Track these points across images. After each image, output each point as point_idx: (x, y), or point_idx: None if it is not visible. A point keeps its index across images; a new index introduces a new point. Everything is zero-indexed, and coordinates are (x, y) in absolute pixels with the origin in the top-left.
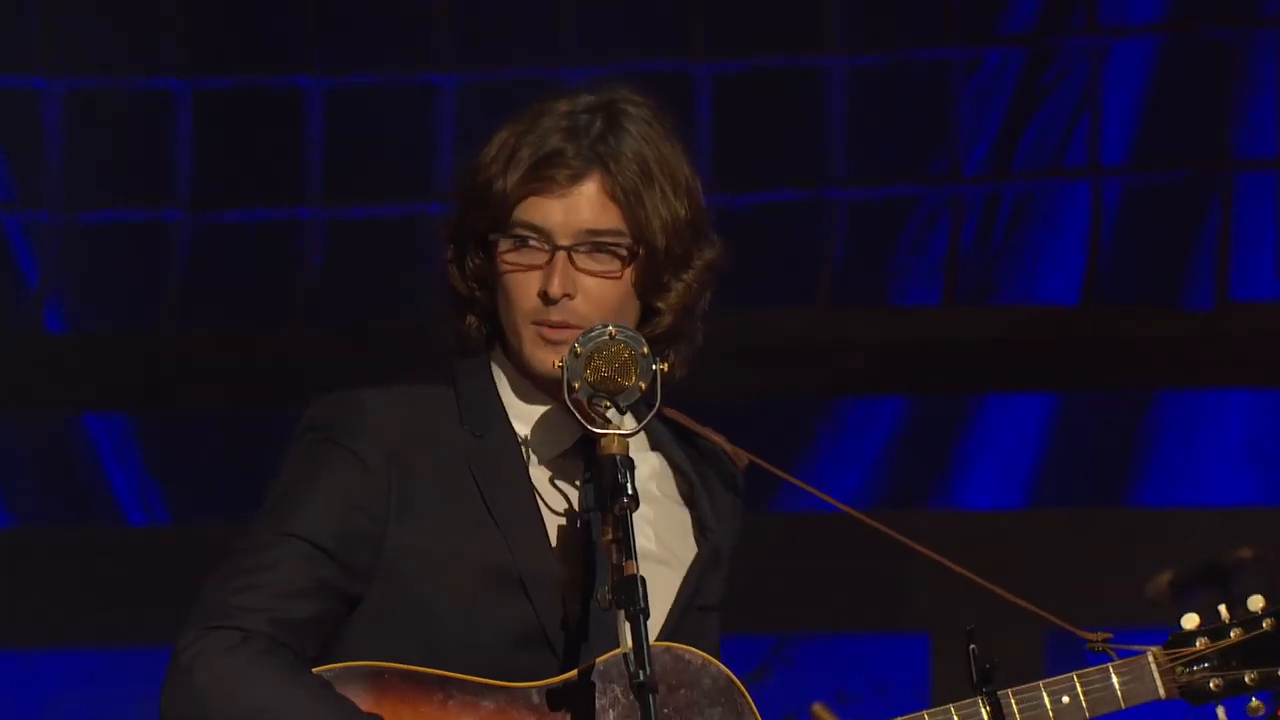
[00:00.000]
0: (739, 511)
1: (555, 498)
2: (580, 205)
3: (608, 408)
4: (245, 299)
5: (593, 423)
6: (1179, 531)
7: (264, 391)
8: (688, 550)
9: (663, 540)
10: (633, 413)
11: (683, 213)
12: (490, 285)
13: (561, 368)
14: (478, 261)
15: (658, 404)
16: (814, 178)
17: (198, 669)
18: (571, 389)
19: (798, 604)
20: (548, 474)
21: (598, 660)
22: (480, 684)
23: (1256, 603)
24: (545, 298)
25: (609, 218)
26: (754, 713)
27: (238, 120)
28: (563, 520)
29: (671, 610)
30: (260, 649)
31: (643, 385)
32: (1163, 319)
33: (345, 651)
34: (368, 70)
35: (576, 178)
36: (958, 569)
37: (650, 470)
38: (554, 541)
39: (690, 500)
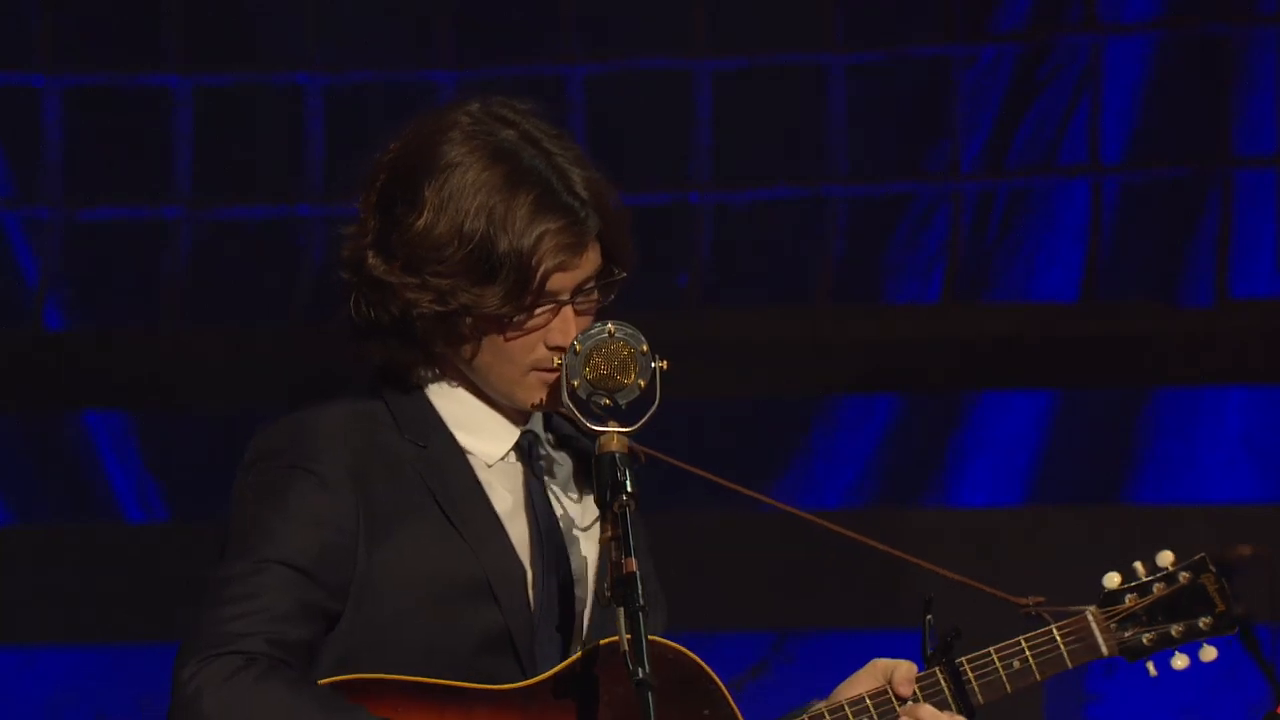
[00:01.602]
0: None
1: (504, 501)
2: (589, 261)
3: (606, 405)
4: (245, 296)
5: (591, 420)
6: (1178, 528)
7: (263, 388)
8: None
9: (589, 535)
10: (632, 410)
11: (625, 218)
12: (456, 338)
13: (560, 365)
14: (458, 323)
15: (656, 401)
16: (813, 175)
17: (205, 698)
18: (571, 387)
19: (796, 601)
20: (492, 478)
21: (587, 651)
22: (473, 689)
23: (1166, 558)
24: (559, 350)
25: (597, 259)
26: (728, 700)
27: (238, 117)
28: (515, 522)
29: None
30: (263, 670)
31: (641, 383)
32: (1161, 316)
33: (319, 666)
34: (367, 67)
35: (587, 238)
36: (917, 561)
37: (569, 470)
38: (514, 544)
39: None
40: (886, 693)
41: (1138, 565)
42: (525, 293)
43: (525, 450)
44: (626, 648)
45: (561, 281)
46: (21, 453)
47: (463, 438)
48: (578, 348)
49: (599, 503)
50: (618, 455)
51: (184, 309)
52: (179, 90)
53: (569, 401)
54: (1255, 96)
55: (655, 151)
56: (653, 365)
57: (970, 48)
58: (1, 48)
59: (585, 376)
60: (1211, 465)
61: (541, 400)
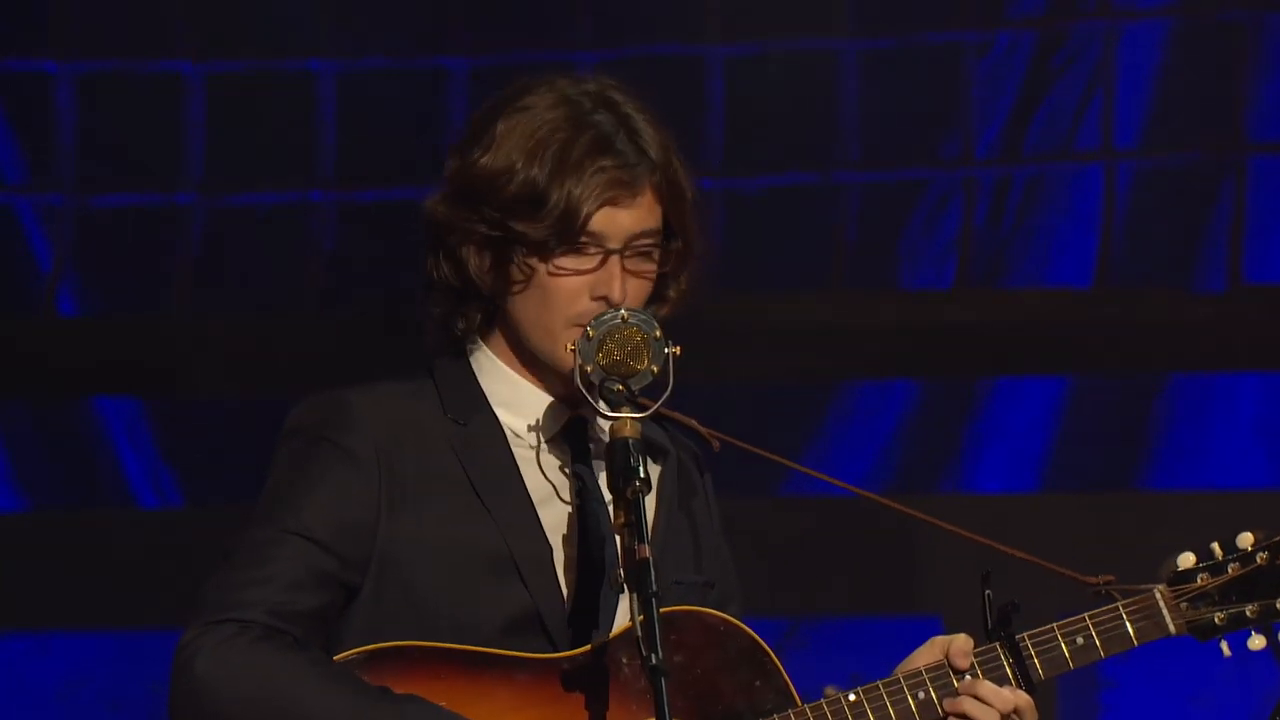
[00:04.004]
0: (709, 491)
1: (544, 482)
2: (641, 212)
3: (620, 391)
4: (257, 282)
5: (607, 406)
6: (1191, 514)
7: (275, 374)
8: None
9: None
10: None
11: (696, 201)
12: (505, 281)
13: (573, 351)
14: (508, 260)
15: (669, 387)
16: (825, 161)
17: (197, 662)
18: (583, 372)
19: (810, 587)
20: (535, 459)
21: (625, 629)
22: (511, 657)
23: (1246, 539)
24: (607, 302)
25: (654, 218)
26: (781, 673)
27: (250, 103)
28: (553, 505)
29: None
30: (257, 635)
31: (654, 369)
32: (1175, 302)
33: (342, 642)
34: (379, 53)
35: (640, 185)
36: (969, 535)
37: (588, 459)
38: (546, 526)
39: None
40: (944, 666)
41: (1214, 546)
42: (571, 227)
43: (577, 433)
44: (639, 634)
45: (609, 223)
46: (34, 438)
47: (507, 417)
48: (590, 333)
49: (612, 489)
50: (631, 441)
51: (196, 295)
52: (191, 76)
53: (582, 386)
54: (1269, 83)
55: None
56: (666, 351)
57: (985, 34)
58: (14, 34)
59: (598, 362)
60: (1224, 451)
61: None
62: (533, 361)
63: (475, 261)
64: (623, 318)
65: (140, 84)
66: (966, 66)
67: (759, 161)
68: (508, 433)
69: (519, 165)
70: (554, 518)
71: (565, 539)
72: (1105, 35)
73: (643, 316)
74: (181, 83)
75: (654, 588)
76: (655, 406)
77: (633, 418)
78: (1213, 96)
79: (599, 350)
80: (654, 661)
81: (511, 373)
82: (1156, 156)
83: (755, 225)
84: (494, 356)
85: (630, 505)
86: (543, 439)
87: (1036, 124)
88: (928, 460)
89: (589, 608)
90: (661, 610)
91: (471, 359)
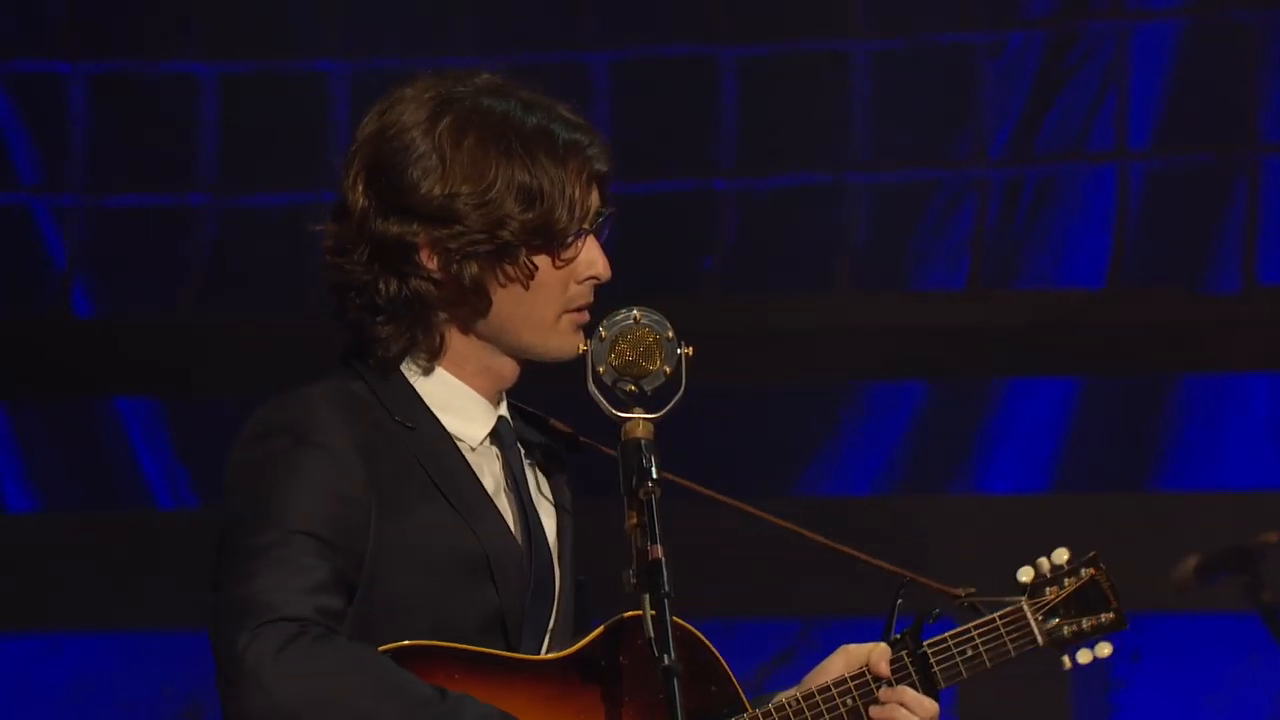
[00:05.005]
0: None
1: (487, 483)
2: (599, 188)
3: (632, 392)
4: (269, 282)
5: (616, 407)
6: (1203, 516)
7: (290, 375)
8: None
9: (551, 519)
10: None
11: None
12: (495, 284)
13: (586, 352)
14: (507, 263)
15: (682, 388)
16: (836, 161)
17: (265, 669)
18: (596, 373)
19: (822, 588)
20: (477, 460)
21: (609, 627)
22: (511, 658)
23: (1061, 555)
24: (597, 280)
25: (600, 191)
26: (731, 679)
27: (262, 104)
28: (502, 504)
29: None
30: (319, 634)
31: (667, 369)
32: (1188, 303)
33: None
34: (391, 54)
35: (599, 161)
36: (822, 541)
37: (525, 456)
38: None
39: (552, 484)
40: (864, 674)
41: (1043, 561)
42: (574, 215)
43: (501, 434)
44: (651, 635)
45: (593, 201)
46: (49, 438)
47: (446, 420)
48: (603, 334)
49: (624, 489)
50: (644, 442)
51: (210, 296)
52: (204, 77)
53: (594, 387)
54: None
55: (679, 138)
56: (678, 351)
57: (997, 35)
58: (27, 35)
59: (610, 363)
60: (1237, 452)
61: (577, 348)
62: (475, 363)
63: (471, 271)
64: (635, 318)
65: (153, 85)
66: (978, 67)
67: (771, 162)
68: (451, 435)
69: (493, 174)
70: (505, 517)
71: (518, 538)
72: (1117, 36)
73: (655, 317)
74: (194, 83)
75: (666, 588)
76: (669, 406)
77: (645, 418)
78: (1226, 97)
79: (611, 351)
80: (666, 663)
81: (445, 374)
82: (1169, 157)
83: (767, 226)
84: (426, 359)
85: (642, 506)
86: (478, 440)
87: (1049, 124)
88: (939, 461)
89: (538, 606)
90: (626, 615)
91: (401, 364)
